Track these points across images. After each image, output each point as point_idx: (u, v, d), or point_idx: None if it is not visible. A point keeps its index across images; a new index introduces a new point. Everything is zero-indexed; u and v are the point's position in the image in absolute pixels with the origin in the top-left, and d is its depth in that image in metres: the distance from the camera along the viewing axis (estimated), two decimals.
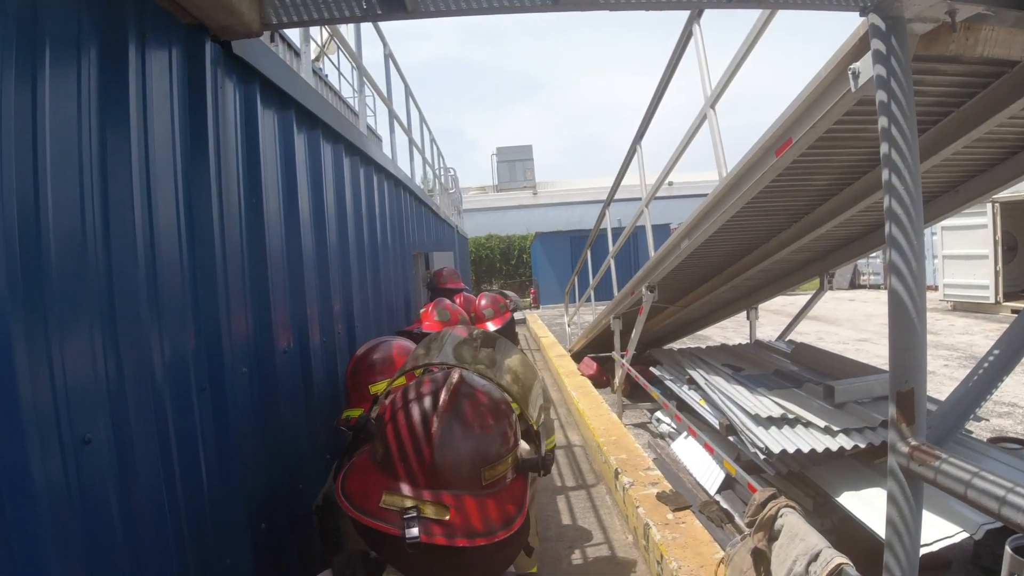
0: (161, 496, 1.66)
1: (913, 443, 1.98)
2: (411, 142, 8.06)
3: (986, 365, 2.38)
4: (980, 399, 2.33)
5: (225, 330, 2.00)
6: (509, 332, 3.25)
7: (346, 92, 12.02)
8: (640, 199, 6.36)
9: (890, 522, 2.08)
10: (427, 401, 1.12)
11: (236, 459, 2.02)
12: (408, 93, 8.19)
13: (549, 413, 3.21)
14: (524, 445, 1.34)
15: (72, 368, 1.36)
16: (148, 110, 1.72)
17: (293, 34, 7.74)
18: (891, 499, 2.06)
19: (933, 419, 2.21)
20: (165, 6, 1.87)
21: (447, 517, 1.04)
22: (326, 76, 10.89)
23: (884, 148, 1.93)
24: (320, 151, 3.07)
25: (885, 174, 1.94)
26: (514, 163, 34.09)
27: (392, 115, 6.70)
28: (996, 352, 2.40)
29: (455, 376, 1.18)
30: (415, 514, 1.02)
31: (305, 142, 2.93)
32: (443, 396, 1.12)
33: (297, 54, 8.22)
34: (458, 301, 4.47)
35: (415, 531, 1.00)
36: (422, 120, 9.79)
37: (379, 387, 2.21)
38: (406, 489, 1.06)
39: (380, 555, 1.11)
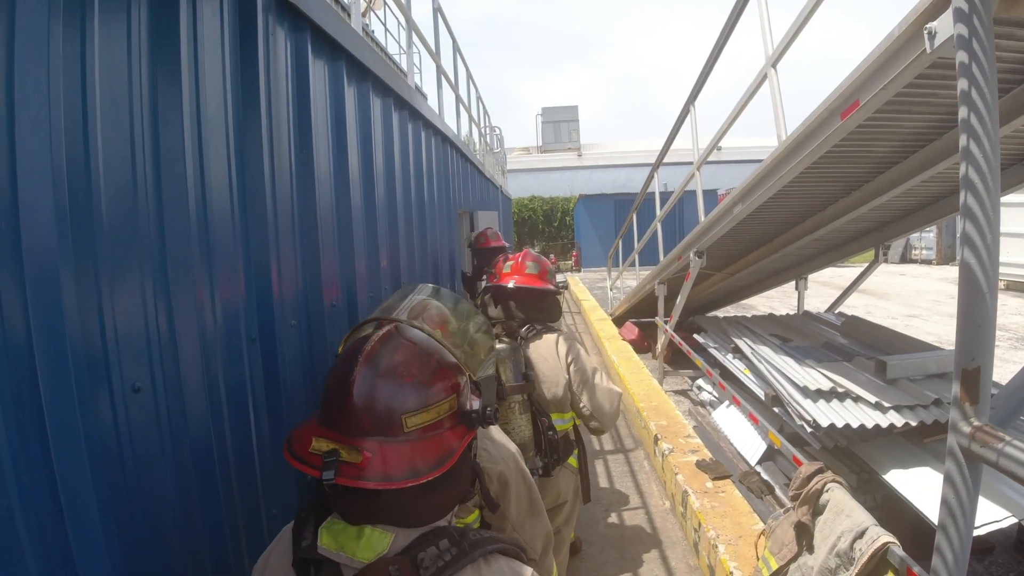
0: (211, 445, 1.68)
1: (976, 423, 1.90)
2: (458, 99, 7.98)
3: None
4: None
5: (276, 282, 2.00)
6: (552, 307, 3.15)
7: (391, 49, 11.94)
8: (690, 163, 6.19)
9: (945, 503, 2.01)
10: (357, 351, 1.18)
11: (285, 410, 2.04)
12: (456, 49, 8.07)
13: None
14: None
15: (122, 316, 1.37)
16: (199, 55, 1.69)
17: None
18: (948, 480, 1.99)
19: (996, 400, 2.11)
20: None
21: (360, 460, 1.09)
22: (372, 32, 10.80)
23: (963, 112, 1.80)
24: (370, 104, 3.03)
25: (963, 140, 1.82)
26: (559, 124, 33.68)
27: (440, 70, 6.61)
28: None
29: (385, 328, 1.24)
30: (335, 457, 1.09)
31: (355, 95, 2.89)
32: (367, 347, 1.18)
33: (344, 8, 8.18)
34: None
35: (330, 473, 1.07)
36: (469, 77, 9.66)
37: None
38: (331, 434, 1.13)
39: (326, 499, 1.17)
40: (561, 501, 3.09)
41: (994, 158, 1.83)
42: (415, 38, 5.41)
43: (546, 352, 2.95)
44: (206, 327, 1.68)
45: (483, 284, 3.87)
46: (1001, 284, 16.20)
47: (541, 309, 3.10)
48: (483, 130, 12.02)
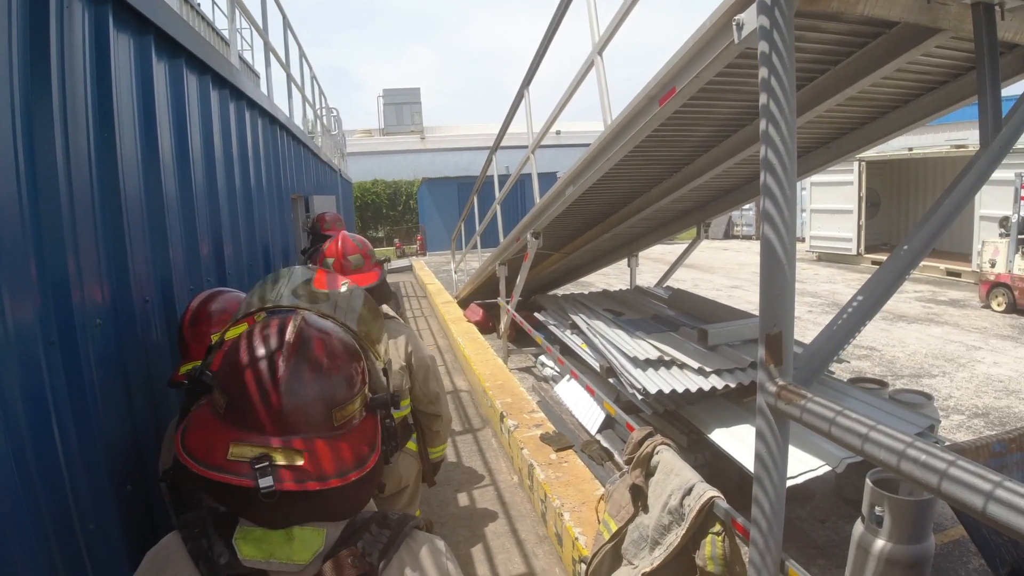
0: (7, 458, 1.50)
1: (780, 383, 2.07)
2: (289, 78, 7.62)
3: (849, 311, 2.51)
4: (843, 343, 2.46)
5: (75, 281, 1.82)
6: (383, 289, 3.11)
7: (222, 24, 11.21)
8: (528, 146, 6.34)
9: (759, 457, 2.18)
10: (272, 345, 1.08)
11: (93, 416, 1.87)
12: (286, 25, 7.71)
13: (445, 406, 3.19)
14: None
15: None
16: None
17: None
18: (759, 435, 2.16)
19: (799, 361, 2.32)
20: None
21: (300, 463, 1.02)
22: (198, 4, 10.09)
23: (763, 99, 1.96)
24: (184, 82, 2.82)
25: (763, 124, 1.97)
26: (401, 106, 33.14)
27: (268, 47, 6.28)
28: (859, 299, 2.54)
29: (299, 318, 1.15)
30: (267, 463, 1.00)
31: (167, 72, 2.68)
32: (287, 338, 1.09)
33: None
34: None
35: (269, 480, 0.98)
36: (302, 56, 9.27)
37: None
38: (254, 438, 1.03)
39: (232, 508, 1.08)
40: (403, 485, 3.11)
41: (791, 141, 1.99)
42: (239, 13, 5.10)
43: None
44: None
45: None
46: (814, 256, 18.05)
47: (376, 298, 3.04)
48: (319, 111, 11.60)
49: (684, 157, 5.09)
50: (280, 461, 1.01)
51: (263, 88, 5.79)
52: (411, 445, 3.12)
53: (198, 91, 3.10)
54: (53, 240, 1.74)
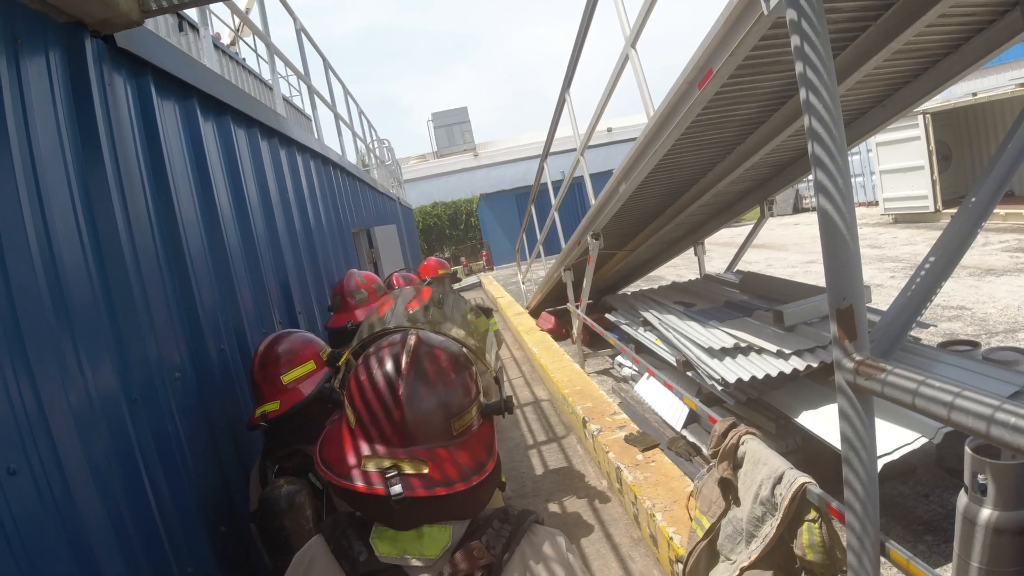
0: (102, 517, 1.59)
1: (858, 358, 1.99)
2: (337, 117, 7.84)
3: (923, 273, 2.40)
4: (921, 307, 2.35)
5: (149, 336, 1.91)
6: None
7: (267, 74, 11.63)
8: (576, 149, 6.32)
9: (845, 438, 2.10)
10: (390, 365, 1.19)
11: (181, 465, 1.95)
12: (327, 66, 7.93)
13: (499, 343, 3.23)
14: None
15: None
16: (28, 117, 1.61)
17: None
18: (843, 415, 2.08)
19: (877, 332, 2.22)
20: (37, 8, 1.74)
21: (425, 471, 1.12)
22: (243, 60, 10.49)
23: (799, 67, 1.89)
24: (232, 137, 2.95)
25: (803, 93, 1.91)
26: (451, 127, 33.56)
27: (312, 91, 6.48)
28: (932, 259, 2.42)
29: (412, 338, 1.24)
30: (396, 472, 1.10)
31: (214, 129, 2.80)
32: (404, 359, 1.19)
33: (215, 41, 7.91)
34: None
35: (399, 488, 1.08)
36: (346, 93, 9.52)
37: (292, 375, 2.17)
38: (382, 450, 1.14)
39: (366, 513, 1.18)
40: None
41: (834, 107, 1.91)
42: (279, 60, 5.28)
43: None
44: (76, 395, 1.59)
45: None
46: (889, 218, 17.31)
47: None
48: (371, 144, 11.87)
49: (734, 138, 4.97)
50: (408, 470, 1.11)
51: (314, 130, 5.97)
52: None
53: (248, 143, 3.22)
54: (123, 302, 1.84)
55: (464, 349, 1.36)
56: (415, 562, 1.14)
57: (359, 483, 1.11)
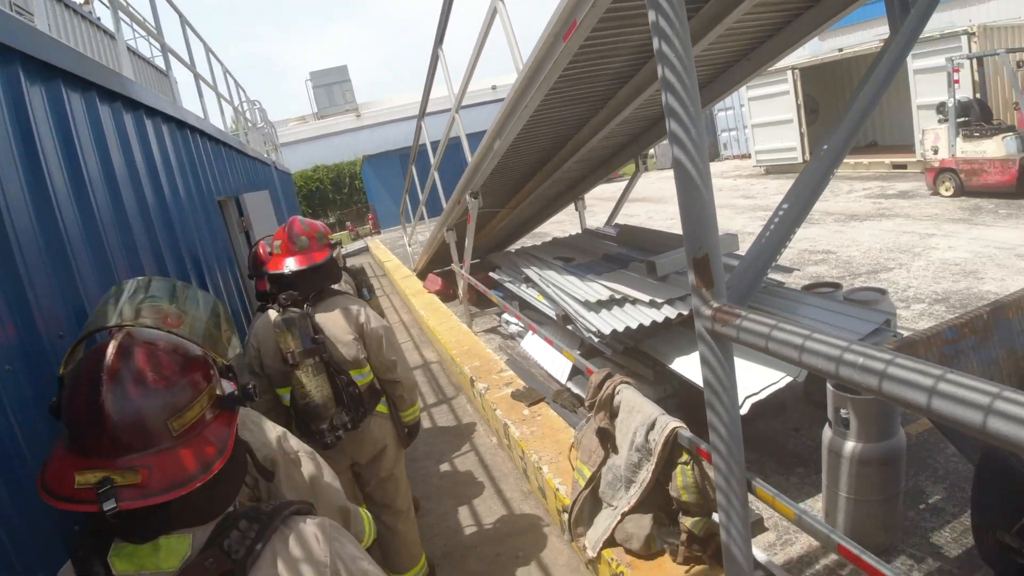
0: None
1: (715, 305, 2.04)
2: (197, 77, 7.31)
3: (777, 220, 2.49)
4: (775, 253, 2.44)
5: None
6: (332, 268, 3.22)
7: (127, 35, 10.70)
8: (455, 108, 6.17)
9: (707, 383, 2.17)
10: (93, 369, 1.10)
11: (19, 465, 1.78)
12: (184, 22, 7.35)
13: (404, 372, 3.33)
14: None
15: None
16: None
17: None
18: (704, 361, 2.14)
19: (733, 279, 2.29)
20: None
21: (139, 480, 1.05)
22: (97, 19, 9.56)
23: (652, 16, 1.87)
24: (65, 104, 2.66)
25: (655, 42, 1.89)
26: (331, 86, 32.25)
27: (166, 49, 6.01)
28: (785, 206, 2.51)
29: (118, 337, 1.16)
30: (108, 486, 1.03)
31: (43, 97, 2.52)
32: (107, 360, 1.10)
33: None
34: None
35: (112, 502, 1.02)
36: (208, 51, 8.90)
37: None
38: (96, 463, 1.06)
39: (101, 530, 1.12)
40: (380, 447, 3.24)
41: (687, 57, 1.91)
42: (123, 16, 4.84)
43: (336, 314, 3.08)
44: None
45: None
46: (761, 170, 18.18)
47: (325, 277, 3.19)
48: (239, 107, 11.22)
49: (605, 92, 5.00)
50: (120, 482, 1.04)
51: (172, 93, 5.55)
52: (381, 408, 3.25)
53: (85, 109, 2.93)
54: None
55: (186, 341, 1.28)
56: None
57: (73, 503, 1.04)
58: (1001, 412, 1.11)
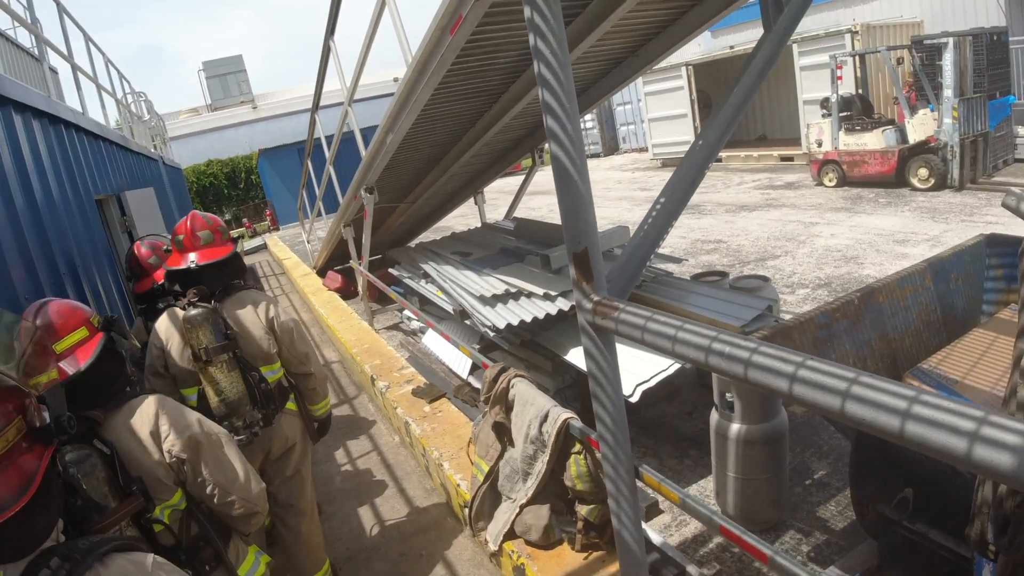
0: None
1: (595, 299, 2.07)
2: (74, 68, 6.85)
3: (654, 214, 2.53)
4: (654, 246, 2.49)
5: None
6: (237, 263, 3.17)
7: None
8: (355, 100, 6.03)
9: (591, 375, 2.20)
10: None
11: None
12: (61, 9, 6.84)
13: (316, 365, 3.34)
14: None
15: None
16: None
17: None
18: (587, 354, 2.18)
19: (612, 272, 2.33)
20: None
21: None
22: None
23: (527, 12, 1.87)
24: None
25: (531, 39, 1.89)
26: (226, 76, 30.87)
27: (40, 40, 5.60)
28: (662, 200, 2.56)
29: None
30: None
31: None
32: None
33: None
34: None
35: None
36: (88, 40, 8.36)
37: (65, 343, 1.96)
38: None
39: None
40: (290, 444, 3.22)
41: (562, 53, 1.92)
42: None
43: (247, 310, 3.05)
44: None
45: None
46: (658, 163, 18.71)
47: (231, 272, 3.15)
48: (122, 99, 10.59)
49: (498, 86, 5.01)
50: None
51: (48, 86, 5.18)
52: (291, 405, 3.22)
53: None
54: None
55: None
56: None
57: None
58: (858, 396, 1.15)
